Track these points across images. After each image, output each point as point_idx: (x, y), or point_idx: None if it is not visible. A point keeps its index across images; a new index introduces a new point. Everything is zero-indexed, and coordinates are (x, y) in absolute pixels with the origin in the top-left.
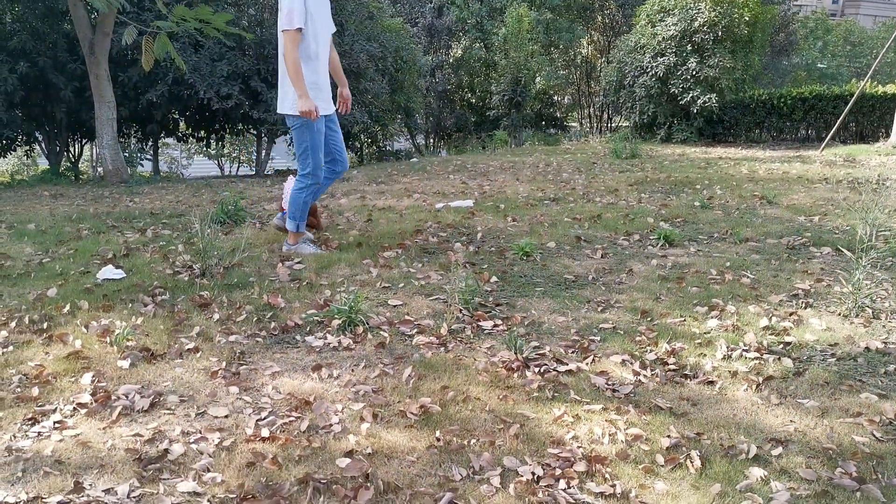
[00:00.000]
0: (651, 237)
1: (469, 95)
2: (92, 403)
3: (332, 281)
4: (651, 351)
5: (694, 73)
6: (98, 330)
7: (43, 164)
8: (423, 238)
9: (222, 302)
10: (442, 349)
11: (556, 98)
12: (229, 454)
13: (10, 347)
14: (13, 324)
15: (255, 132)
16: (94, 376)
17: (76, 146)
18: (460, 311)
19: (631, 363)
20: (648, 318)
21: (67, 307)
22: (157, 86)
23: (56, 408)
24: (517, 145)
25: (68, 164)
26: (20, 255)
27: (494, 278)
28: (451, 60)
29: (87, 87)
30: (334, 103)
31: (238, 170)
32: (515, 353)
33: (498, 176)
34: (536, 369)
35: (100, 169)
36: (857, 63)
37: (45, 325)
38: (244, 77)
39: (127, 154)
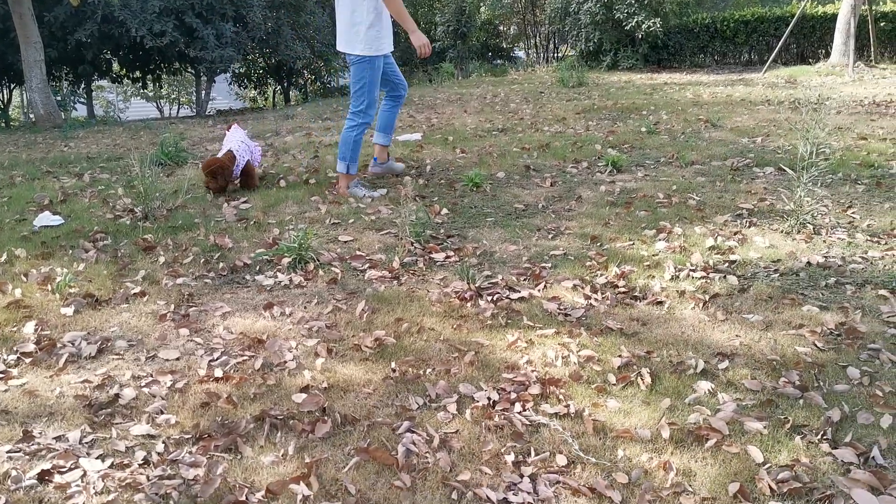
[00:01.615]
0: (599, 164)
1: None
2: (37, 352)
3: (281, 219)
4: (601, 275)
5: None
6: (38, 278)
7: None
8: (372, 173)
9: (167, 245)
10: (395, 283)
11: (501, 28)
12: (183, 396)
13: None
14: None
15: (192, 71)
16: (36, 325)
17: (4, 91)
18: (412, 244)
19: (582, 287)
20: (598, 244)
21: (4, 256)
22: (85, 24)
23: None
24: (464, 77)
25: None
26: None
27: (445, 210)
28: None
29: (12, 28)
30: None
31: (178, 111)
32: (468, 283)
33: (445, 108)
34: (489, 298)
35: (31, 114)
36: None
37: None
38: (177, 13)
39: (59, 98)
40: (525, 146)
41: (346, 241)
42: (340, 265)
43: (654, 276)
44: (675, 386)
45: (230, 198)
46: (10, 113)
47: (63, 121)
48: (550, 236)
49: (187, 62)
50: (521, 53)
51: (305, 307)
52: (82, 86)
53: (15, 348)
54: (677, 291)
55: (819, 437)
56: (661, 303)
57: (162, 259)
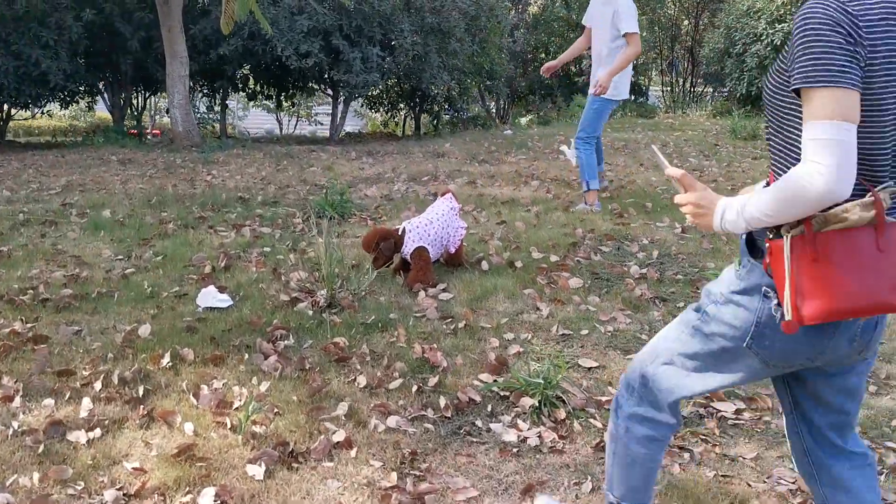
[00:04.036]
0: None
1: (545, 57)
2: None
3: (496, 323)
4: None
5: None
6: (212, 401)
7: (101, 110)
8: (585, 256)
9: (364, 355)
10: (688, 458)
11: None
12: None
13: (98, 431)
14: (98, 384)
15: (331, 93)
16: (217, 495)
17: (139, 99)
18: None
19: None
20: None
21: (167, 358)
22: (230, 39)
23: None
24: None
25: (133, 121)
26: (97, 262)
27: None
28: (527, 19)
29: (155, 38)
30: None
31: (297, 126)
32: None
33: (615, 158)
34: None
35: (160, 120)
36: None
37: (140, 391)
38: (325, 33)
39: (198, 116)
40: None
41: (590, 369)
42: (599, 415)
43: None
44: None
45: (426, 284)
46: (142, 120)
47: (201, 140)
48: (875, 390)
49: (327, 84)
50: (655, 89)
51: (577, 496)
52: (217, 99)
53: None
54: None
55: None
56: None
57: (363, 381)
